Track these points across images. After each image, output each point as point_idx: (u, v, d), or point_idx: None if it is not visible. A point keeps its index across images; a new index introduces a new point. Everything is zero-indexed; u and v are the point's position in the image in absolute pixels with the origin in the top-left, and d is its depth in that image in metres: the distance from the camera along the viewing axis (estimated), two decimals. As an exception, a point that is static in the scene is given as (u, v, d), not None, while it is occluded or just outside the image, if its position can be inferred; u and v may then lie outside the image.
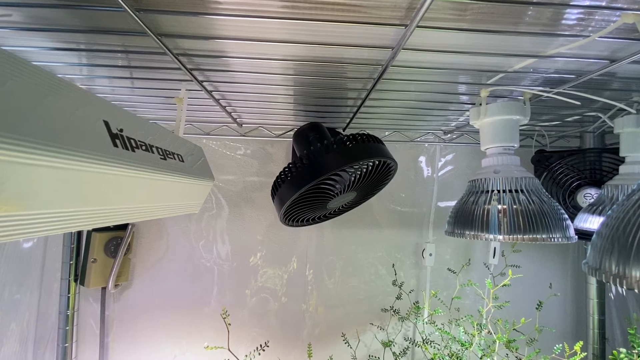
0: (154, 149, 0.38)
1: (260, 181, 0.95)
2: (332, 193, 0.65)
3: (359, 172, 0.63)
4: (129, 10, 0.35)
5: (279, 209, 0.65)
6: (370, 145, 0.61)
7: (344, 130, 0.90)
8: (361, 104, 0.67)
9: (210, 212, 0.94)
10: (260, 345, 0.76)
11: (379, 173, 0.67)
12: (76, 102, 0.29)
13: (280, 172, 0.63)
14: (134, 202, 0.39)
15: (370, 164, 0.63)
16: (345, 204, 0.77)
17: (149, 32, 0.40)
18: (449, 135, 0.95)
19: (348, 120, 0.81)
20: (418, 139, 0.96)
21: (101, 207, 0.34)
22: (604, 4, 0.36)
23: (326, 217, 0.81)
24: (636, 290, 0.24)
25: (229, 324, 0.76)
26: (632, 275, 0.24)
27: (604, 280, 0.26)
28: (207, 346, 0.72)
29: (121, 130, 0.32)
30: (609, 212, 0.30)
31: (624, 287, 0.25)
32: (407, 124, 0.88)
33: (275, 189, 0.64)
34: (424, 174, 1.01)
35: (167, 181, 0.42)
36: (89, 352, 0.89)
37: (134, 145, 0.33)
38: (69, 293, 0.85)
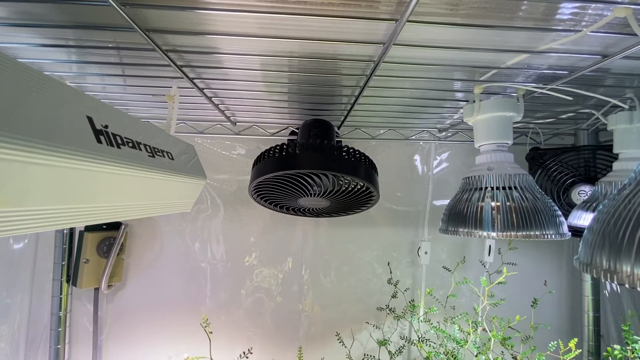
0: (142, 146, 0.38)
1: (255, 180, 0.94)
2: (301, 191, 0.64)
3: (333, 185, 0.63)
4: (114, 5, 0.34)
5: (250, 183, 0.66)
6: (352, 163, 0.60)
7: (338, 128, 0.90)
8: (355, 102, 0.66)
9: (205, 212, 0.93)
10: (244, 353, 0.75)
11: (355, 196, 0.67)
12: (59, 98, 0.28)
13: (268, 148, 0.63)
14: (123, 199, 0.39)
15: (346, 183, 0.62)
16: (318, 208, 0.76)
17: (136, 27, 0.39)
18: (443, 133, 0.95)
19: (342, 117, 0.81)
20: (413, 137, 0.96)
21: (88, 204, 0.33)
22: (595, -3, 0.36)
23: (302, 213, 0.80)
24: (627, 285, 0.24)
25: (211, 332, 0.75)
26: (622, 270, 0.24)
27: (594, 276, 0.26)
28: (187, 357, 0.72)
29: (106, 127, 0.31)
30: (600, 207, 0.30)
31: (615, 282, 0.24)
32: (401, 122, 0.88)
33: (255, 163, 0.65)
34: (419, 172, 1.00)
35: (156, 179, 0.41)
36: (82, 354, 0.88)
37: (119, 142, 0.33)
38: (61, 294, 0.84)
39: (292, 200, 0.70)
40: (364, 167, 0.61)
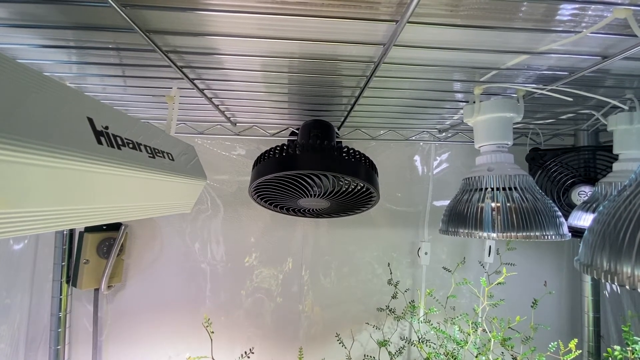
0: (142, 147, 0.38)
1: (255, 181, 0.94)
2: (301, 192, 0.64)
3: (333, 186, 0.63)
4: (114, 6, 0.34)
5: (250, 184, 0.65)
6: (352, 164, 0.60)
7: (338, 129, 0.90)
8: (355, 102, 0.66)
9: (205, 212, 0.93)
10: (245, 352, 0.75)
11: (356, 196, 0.66)
12: (59, 99, 0.28)
13: (268, 149, 0.63)
14: (123, 200, 0.39)
15: (347, 183, 0.62)
16: (318, 209, 0.76)
17: (137, 28, 0.39)
18: (443, 133, 0.95)
19: (342, 118, 0.81)
20: (413, 138, 0.96)
21: (88, 205, 0.33)
22: (595, -2, 0.36)
23: (302, 214, 0.80)
24: (627, 287, 0.24)
25: (212, 332, 0.75)
26: (623, 272, 0.24)
27: (595, 277, 0.26)
28: (189, 357, 0.72)
29: (106, 128, 0.31)
30: (600, 208, 0.30)
31: (615, 283, 0.24)
32: (402, 123, 0.88)
33: (255, 164, 0.64)
34: (419, 172, 1.00)
35: (157, 180, 0.41)
36: (82, 354, 0.88)
37: (120, 143, 0.33)
38: (61, 295, 0.84)
39: (292, 201, 0.70)
40: (364, 168, 0.61)
